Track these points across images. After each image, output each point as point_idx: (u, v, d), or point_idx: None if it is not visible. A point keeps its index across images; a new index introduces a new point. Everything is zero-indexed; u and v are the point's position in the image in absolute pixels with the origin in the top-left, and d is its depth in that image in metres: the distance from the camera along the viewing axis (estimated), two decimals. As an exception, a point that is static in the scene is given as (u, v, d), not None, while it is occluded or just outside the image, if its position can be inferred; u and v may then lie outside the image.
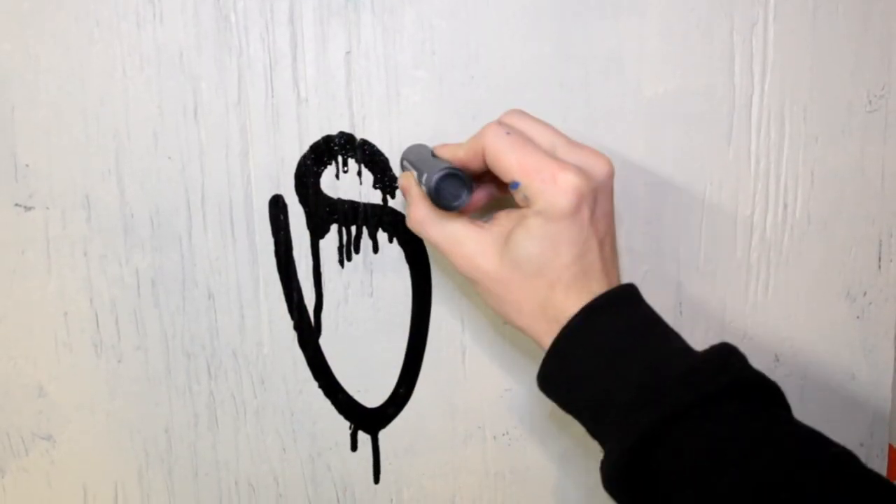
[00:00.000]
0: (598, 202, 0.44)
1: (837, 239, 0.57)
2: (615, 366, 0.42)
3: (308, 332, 0.54)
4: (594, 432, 0.44)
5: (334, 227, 0.53)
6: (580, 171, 0.42)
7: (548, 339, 0.44)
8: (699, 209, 0.55)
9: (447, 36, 0.51)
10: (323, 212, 0.52)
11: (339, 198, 0.52)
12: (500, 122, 0.45)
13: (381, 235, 0.53)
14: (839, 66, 0.54)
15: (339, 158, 0.52)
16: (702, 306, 0.57)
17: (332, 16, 0.50)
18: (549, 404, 0.55)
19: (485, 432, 0.57)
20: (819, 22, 0.53)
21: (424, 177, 0.44)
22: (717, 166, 0.55)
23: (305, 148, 0.51)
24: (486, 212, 0.48)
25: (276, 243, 0.52)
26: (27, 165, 0.50)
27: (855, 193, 0.56)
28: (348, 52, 0.51)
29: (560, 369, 0.44)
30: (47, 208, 0.51)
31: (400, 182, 0.49)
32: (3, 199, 0.50)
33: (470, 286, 0.48)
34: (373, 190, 0.52)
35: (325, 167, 0.52)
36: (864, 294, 0.58)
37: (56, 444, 0.54)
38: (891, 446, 0.63)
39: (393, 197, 0.53)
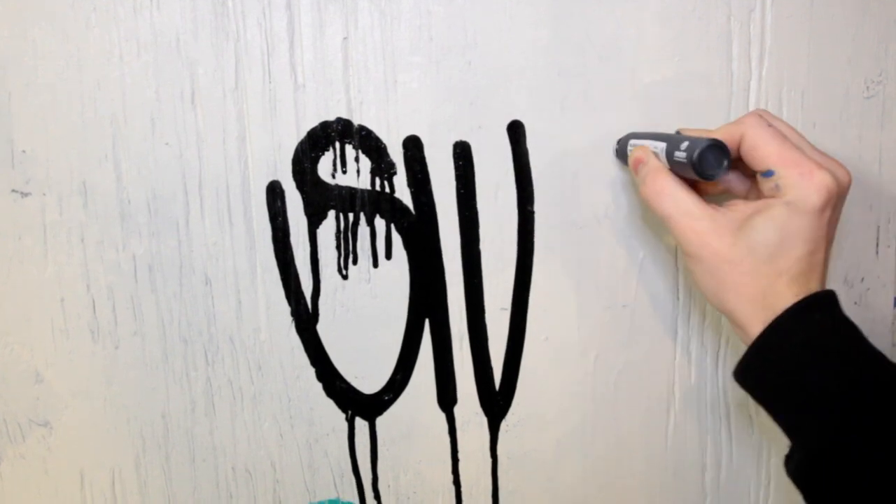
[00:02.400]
0: (837, 207, 0.47)
1: (835, 225, 0.59)
2: (822, 363, 0.45)
3: (305, 318, 0.57)
4: (784, 427, 0.47)
5: (332, 214, 0.55)
6: (833, 173, 0.46)
7: (755, 327, 0.47)
8: (696, 195, 0.58)
9: (444, 22, 0.53)
10: (320, 198, 0.55)
11: (336, 184, 0.55)
12: (758, 114, 0.49)
13: (379, 222, 0.56)
14: (837, 53, 0.56)
15: (337, 144, 0.54)
16: (699, 292, 0.59)
17: (329, 1, 0.52)
18: (548, 384, 0.58)
19: (482, 418, 0.60)
20: (816, 8, 0.56)
21: (684, 145, 0.47)
22: (715, 152, 0.57)
23: (303, 134, 0.54)
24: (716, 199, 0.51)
25: (274, 229, 0.55)
26: (24, 151, 0.52)
27: (852, 180, 0.59)
28: (345, 38, 0.53)
29: (764, 361, 0.47)
30: (44, 194, 0.53)
31: (634, 154, 0.52)
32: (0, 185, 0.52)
33: (685, 257, 0.50)
34: (370, 176, 0.55)
35: (323, 153, 0.54)
36: (862, 280, 0.61)
37: (53, 431, 0.57)
38: (888, 432, 0.66)
39: (391, 183, 0.55)
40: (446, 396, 0.59)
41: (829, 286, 0.60)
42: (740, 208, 0.48)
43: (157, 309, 0.55)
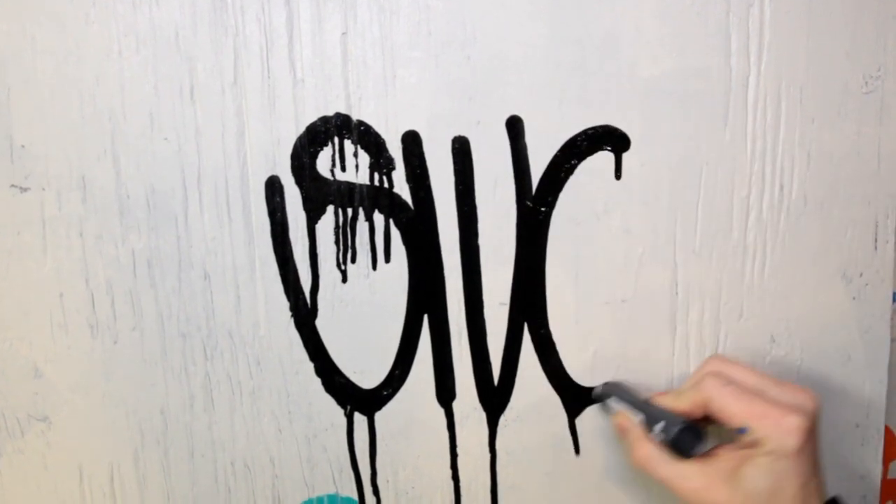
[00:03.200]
0: (815, 434, 0.51)
1: (833, 220, 0.60)
2: None
3: (304, 313, 0.57)
4: None
5: (330, 209, 0.56)
6: (801, 411, 0.50)
7: None
8: (695, 190, 0.59)
9: (443, 16, 0.54)
10: (319, 193, 0.55)
11: (335, 179, 0.55)
12: (713, 374, 0.54)
13: (378, 217, 0.56)
14: (835, 48, 0.57)
15: (336, 139, 0.55)
16: (698, 287, 0.60)
17: (328, -4, 0.53)
18: (545, 386, 0.59)
19: (481, 413, 0.61)
20: (815, 4, 0.56)
21: (660, 425, 0.53)
22: (714, 147, 0.58)
23: (301, 129, 0.54)
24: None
25: (273, 224, 0.56)
26: (23, 146, 0.53)
27: (851, 175, 0.60)
28: (344, 33, 0.54)
29: None
30: (43, 189, 0.54)
31: (617, 421, 0.58)
32: (-1, 179, 0.53)
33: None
34: (369, 171, 0.56)
35: (322, 148, 0.55)
36: (861, 275, 0.62)
37: (52, 426, 0.58)
38: (887, 427, 0.67)
39: (390, 178, 0.56)
40: (445, 391, 0.60)
41: (827, 282, 0.61)
42: (727, 457, 0.52)
43: (155, 304, 0.56)
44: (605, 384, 0.61)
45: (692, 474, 0.52)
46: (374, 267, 0.57)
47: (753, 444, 0.51)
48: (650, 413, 0.55)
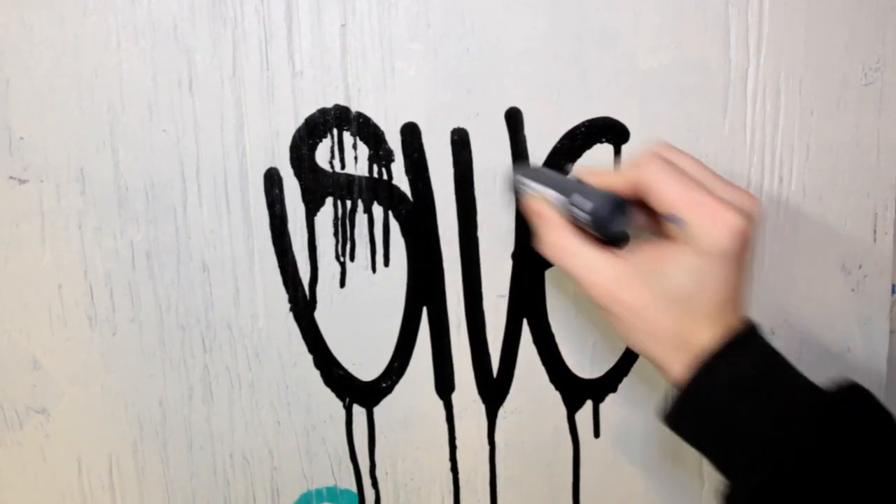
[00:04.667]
0: (750, 244, 0.47)
1: (833, 212, 0.62)
2: (749, 407, 0.45)
3: (303, 305, 0.59)
4: (721, 469, 0.47)
5: (329, 201, 0.57)
6: (740, 210, 0.45)
7: (676, 368, 0.47)
8: (694, 182, 0.60)
9: (442, 8, 0.55)
10: (318, 185, 0.57)
11: (334, 171, 0.57)
12: (655, 153, 0.48)
13: (377, 209, 0.58)
14: (834, 39, 0.59)
15: (335, 131, 0.56)
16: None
17: (327, -12, 0.54)
18: (544, 378, 0.60)
19: (480, 405, 0.62)
20: (814, -5, 0.58)
21: (576, 201, 0.48)
22: (713, 140, 0.59)
23: (300, 121, 0.56)
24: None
25: (271, 216, 0.57)
26: (21, 138, 0.54)
27: (850, 166, 0.61)
28: (343, 25, 0.55)
29: (694, 404, 0.47)
30: (42, 181, 0.55)
31: (529, 204, 0.53)
32: (-3, 171, 0.54)
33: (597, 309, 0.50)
34: (368, 163, 0.57)
35: (321, 140, 0.56)
36: (860, 267, 0.63)
37: (50, 418, 0.59)
38: (885, 420, 0.69)
39: (389, 170, 0.57)
40: (444, 383, 0.62)
41: (826, 274, 0.63)
42: (647, 252, 0.48)
43: (154, 296, 0.58)
44: (520, 167, 0.56)
45: (604, 267, 0.48)
46: (373, 259, 0.59)
47: (681, 240, 0.46)
48: (570, 189, 0.49)
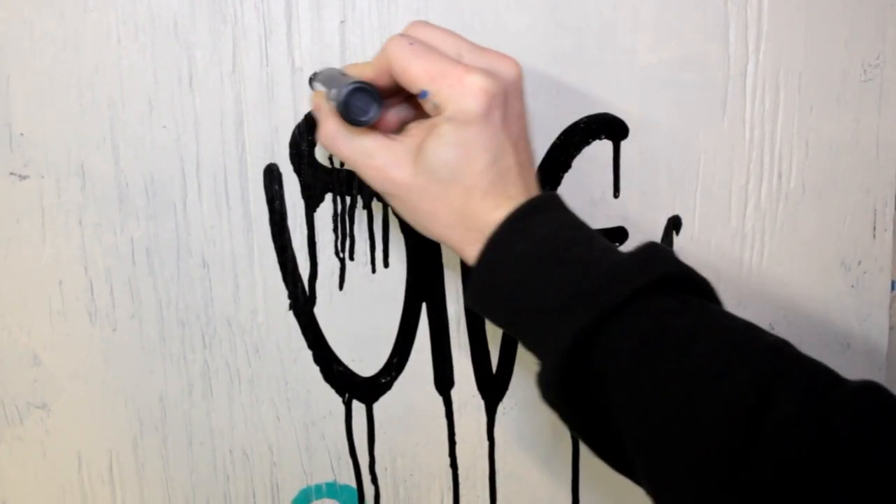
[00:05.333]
0: (510, 103, 0.47)
1: (832, 208, 0.63)
2: (544, 272, 0.45)
3: (303, 301, 0.60)
4: (529, 344, 0.48)
5: (329, 197, 0.58)
6: (487, 72, 0.46)
7: (470, 249, 0.48)
8: (693, 178, 0.61)
9: (442, 5, 0.56)
10: (317, 181, 0.58)
11: (333, 167, 0.58)
12: (402, 34, 0.48)
13: (376, 204, 0.59)
14: (834, 36, 0.59)
15: (334, 127, 0.57)
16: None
17: (326, -16, 0.55)
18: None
19: (479, 401, 0.63)
20: (813, -8, 0.59)
21: (333, 92, 0.48)
22: (712, 136, 0.60)
23: (300, 117, 0.57)
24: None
25: (271, 212, 0.58)
26: (22, 134, 0.55)
27: (849, 163, 0.62)
28: (343, 21, 0.56)
29: (489, 281, 0.47)
30: (42, 177, 0.56)
31: (313, 100, 0.53)
32: (-2, 167, 0.55)
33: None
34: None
35: (320, 136, 0.57)
36: (859, 263, 0.64)
37: (51, 413, 0.60)
38: (885, 416, 0.69)
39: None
40: (443, 379, 0.62)
41: (825, 270, 0.63)
42: (415, 133, 0.48)
43: (154, 292, 0.58)
44: (318, 72, 0.56)
45: (376, 150, 0.48)
46: (372, 255, 0.60)
47: (437, 115, 0.46)
48: (334, 83, 0.49)
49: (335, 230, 0.59)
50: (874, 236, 0.64)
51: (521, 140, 0.49)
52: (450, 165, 0.46)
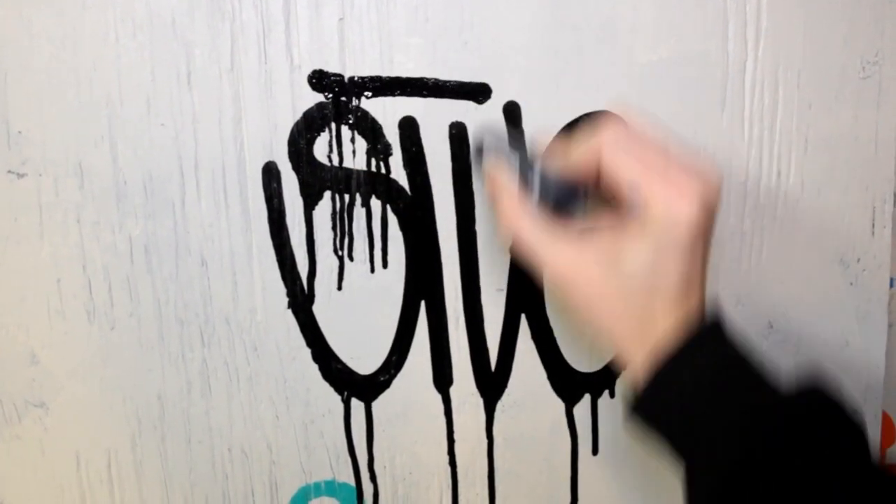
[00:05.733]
0: (712, 216, 0.46)
1: (831, 205, 0.63)
2: (713, 396, 0.45)
3: (301, 299, 0.60)
4: (689, 461, 0.47)
5: (327, 195, 0.58)
6: (703, 178, 0.44)
7: (638, 353, 0.47)
8: (692, 176, 0.61)
9: (441, 2, 0.56)
10: (316, 179, 0.58)
11: (332, 165, 0.58)
12: (612, 132, 0.47)
13: (375, 203, 0.59)
14: (832, 33, 0.60)
15: (332, 125, 0.57)
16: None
17: (325, -18, 0.55)
18: (542, 372, 0.61)
19: (478, 399, 0.64)
20: (812, -11, 0.59)
21: (538, 183, 0.47)
22: (711, 133, 0.60)
23: (298, 115, 0.57)
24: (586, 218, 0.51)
25: (270, 210, 0.58)
26: (20, 132, 0.55)
27: (848, 160, 0.62)
28: (341, 19, 0.56)
29: (656, 395, 0.47)
30: (40, 175, 0.56)
31: (491, 177, 0.52)
32: (-4, 166, 0.55)
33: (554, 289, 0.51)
34: (366, 157, 0.58)
35: (318, 134, 0.57)
36: (858, 260, 0.64)
37: (49, 411, 0.60)
38: (884, 413, 0.70)
39: (387, 164, 0.58)
40: (442, 377, 0.63)
41: (824, 267, 0.64)
42: (607, 237, 0.47)
43: (153, 290, 0.59)
44: (487, 130, 0.56)
45: (566, 246, 0.47)
46: (371, 253, 0.60)
47: (641, 217, 0.45)
48: (529, 169, 0.49)
49: (334, 228, 0.59)
50: (873, 233, 0.64)
51: (709, 254, 0.47)
52: (646, 270, 0.45)
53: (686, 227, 0.44)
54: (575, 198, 0.47)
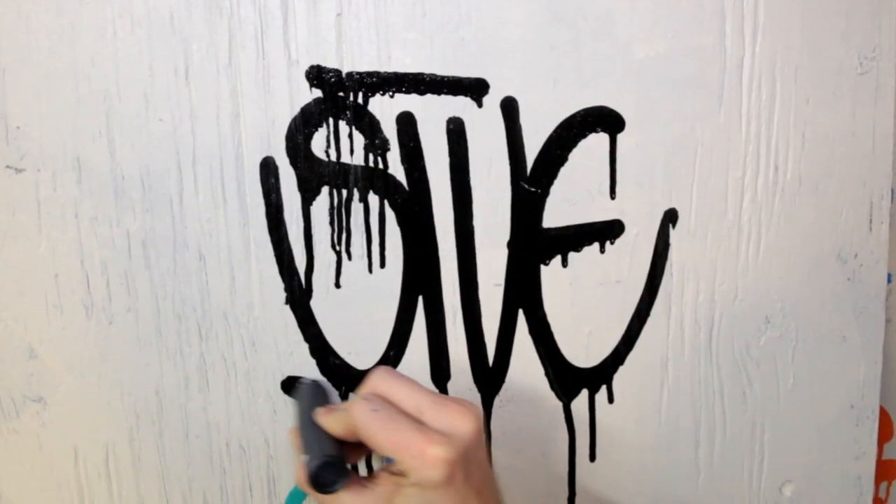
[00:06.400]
0: (470, 459, 0.50)
1: (828, 201, 0.64)
2: None
3: (299, 294, 0.61)
4: None
5: (325, 190, 0.59)
6: (447, 439, 0.49)
7: None
8: (690, 171, 0.62)
9: (438, -3, 0.57)
10: (314, 174, 0.59)
11: (329, 160, 0.59)
12: (365, 398, 0.52)
13: (372, 198, 0.60)
14: (830, 29, 0.61)
15: (330, 120, 0.58)
16: (693, 268, 0.64)
17: (323, -23, 0.56)
18: (539, 367, 0.62)
19: (475, 394, 0.64)
20: (809, -16, 0.60)
21: (305, 458, 0.52)
22: (708, 129, 0.61)
23: (296, 110, 0.58)
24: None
25: (267, 205, 0.59)
26: (18, 127, 0.56)
27: (846, 155, 0.63)
28: (339, 14, 0.57)
29: None
30: (38, 170, 0.57)
31: (291, 432, 0.58)
32: (-6, 161, 0.56)
33: None
34: (363, 152, 0.59)
35: (316, 129, 0.58)
36: (855, 256, 0.65)
37: (47, 406, 0.61)
38: (881, 408, 0.71)
39: (384, 159, 0.59)
40: (440, 372, 0.64)
41: (821, 263, 0.65)
42: (385, 484, 0.51)
43: (150, 285, 0.60)
44: (304, 384, 0.62)
45: (348, 500, 0.51)
46: (369, 248, 0.61)
47: (403, 475, 0.50)
48: (307, 436, 0.54)
49: (331, 223, 0.60)
50: (870, 229, 0.65)
51: (486, 486, 0.51)
52: None
53: (441, 489, 0.48)
54: (336, 474, 0.51)
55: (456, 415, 0.50)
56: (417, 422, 0.50)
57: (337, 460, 0.51)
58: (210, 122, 0.57)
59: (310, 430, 0.54)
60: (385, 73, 0.58)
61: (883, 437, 0.73)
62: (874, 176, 0.64)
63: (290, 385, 0.62)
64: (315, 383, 0.61)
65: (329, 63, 0.57)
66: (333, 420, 0.54)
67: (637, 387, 0.66)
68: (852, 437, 0.69)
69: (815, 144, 0.63)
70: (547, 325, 0.64)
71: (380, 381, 0.53)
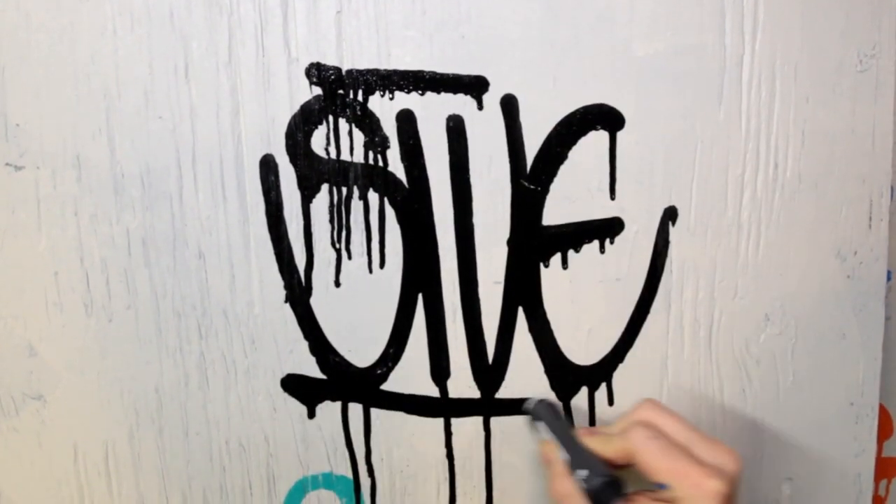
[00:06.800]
0: (734, 498, 0.53)
1: (828, 198, 0.64)
2: None
3: (299, 291, 0.61)
4: None
5: (325, 187, 0.59)
6: (721, 473, 0.52)
7: None
8: (690, 169, 0.62)
9: (438, -5, 0.58)
10: (313, 172, 0.59)
11: (329, 158, 0.59)
12: (643, 425, 0.56)
13: (372, 195, 0.60)
14: (830, 26, 0.61)
15: (330, 118, 0.58)
16: (692, 266, 0.64)
17: (322, -25, 0.56)
18: (539, 364, 0.63)
19: (475, 392, 0.65)
20: (809, -18, 0.60)
21: (584, 473, 0.55)
22: (708, 126, 0.62)
23: (296, 108, 0.58)
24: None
25: (267, 203, 0.59)
26: (18, 125, 0.56)
27: (845, 153, 0.63)
28: (339, 12, 0.57)
29: None
30: (38, 168, 0.57)
31: (544, 451, 0.61)
32: (-6, 158, 0.57)
33: None
34: (363, 150, 0.59)
35: (316, 127, 0.58)
36: (855, 253, 0.66)
37: (47, 404, 0.61)
38: (881, 406, 0.71)
39: (384, 156, 0.59)
40: (439, 370, 0.64)
41: (821, 260, 0.65)
42: None
43: (150, 283, 0.60)
44: (539, 402, 0.64)
45: None
46: (368, 246, 0.61)
47: (671, 501, 0.53)
48: (575, 453, 0.57)
49: (331, 221, 0.60)
50: (870, 226, 0.65)
51: None
52: None
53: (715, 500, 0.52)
54: (615, 494, 0.54)
55: (725, 452, 0.54)
56: (689, 454, 0.54)
57: (617, 481, 0.55)
58: (210, 120, 0.58)
59: (575, 449, 0.58)
60: (385, 70, 0.58)
61: (882, 434, 0.74)
62: (874, 173, 0.64)
63: (529, 413, 0.65)
64: (548, 402, 0.64)
65: (329, 61, 0.57)
66: (605, 442, 0.57)
67: (637, 384, 0.66)
68: (852, 434, 0.69)
69: (814, 142, 0.63)
70: (547, 323, 0.64)
71: (650, 412, 0.57)
